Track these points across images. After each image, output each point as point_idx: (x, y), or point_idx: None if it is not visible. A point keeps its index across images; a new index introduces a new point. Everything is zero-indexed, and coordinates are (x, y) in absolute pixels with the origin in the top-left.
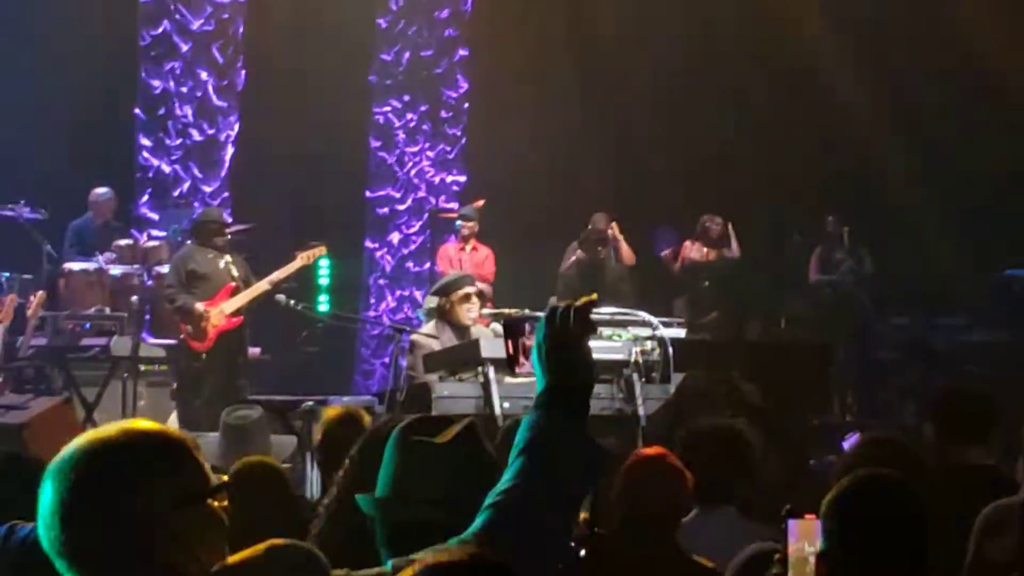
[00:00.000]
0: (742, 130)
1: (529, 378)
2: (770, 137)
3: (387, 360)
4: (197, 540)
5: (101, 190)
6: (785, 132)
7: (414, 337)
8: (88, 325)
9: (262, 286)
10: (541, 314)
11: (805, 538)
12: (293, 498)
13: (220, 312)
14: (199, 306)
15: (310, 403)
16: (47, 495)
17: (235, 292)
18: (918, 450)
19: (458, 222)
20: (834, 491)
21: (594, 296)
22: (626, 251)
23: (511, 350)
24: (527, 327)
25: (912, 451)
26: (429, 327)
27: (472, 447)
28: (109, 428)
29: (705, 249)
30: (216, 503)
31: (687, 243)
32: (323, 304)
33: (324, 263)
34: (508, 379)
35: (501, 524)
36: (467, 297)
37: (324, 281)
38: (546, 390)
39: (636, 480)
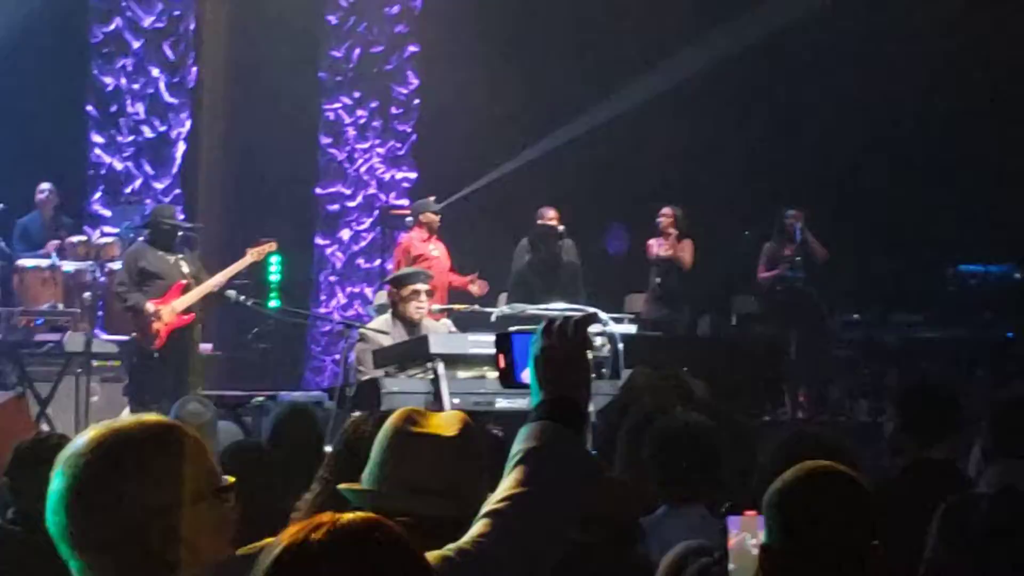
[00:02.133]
0: (699, 121)
1: (478, 373)
2: (726, 128)
3: (337, 356)
4: (201, 536)
5: (43, 185)
6: (741, 123)
7: (363, 332)
8: (41, 321)
9: (212, 283)
10: (535, 327)
11: (747, 531)
12: (278, 483)
13: (171, 310)
14: (149, 305)
15: (261, 398)
16: (55, 482)
17: (186, 289)
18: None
19: (428, 216)
20: (779, 482)
21: (596, 313)
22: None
23: (503, 364)
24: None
25: (843, 448)
26: (379, 322)
27: (473, 442)
28: (123, 420)
29: (666, 244)
30: (223, 502)
31: (651, 240)
32: (273, 300)
33: (275, 259)
34: (459, 374)
35: (498, 532)
36: (416, 293)
37: (275, 278)
38: (542, 403)
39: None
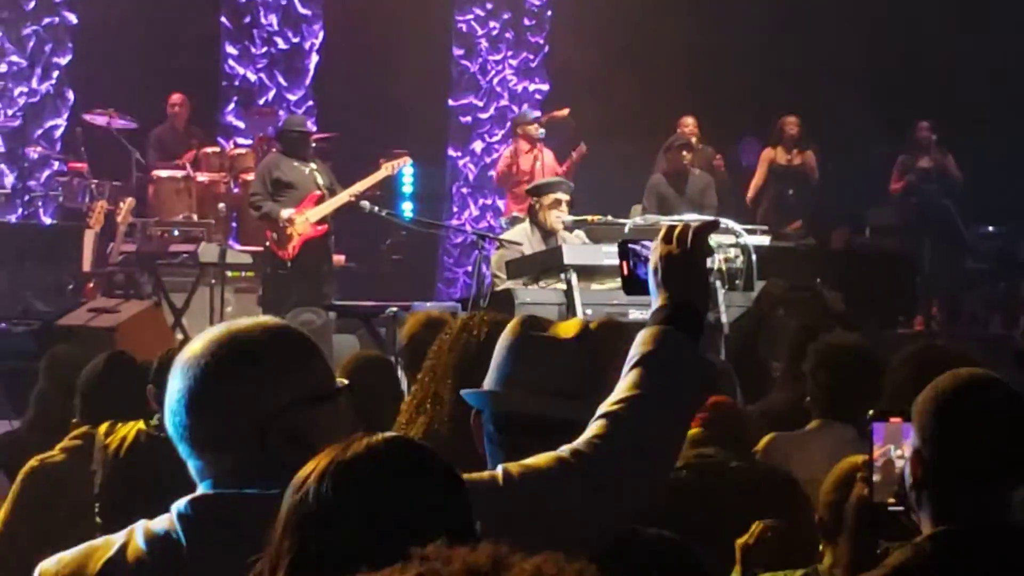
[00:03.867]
0: (829, 33)
1: (612, 284)
2: (855, 40)
3: (469, 268)
4: (316, 439)
5: (175, 97)
6: (870, 36)
7: (501, 240)
8: (176, 232)
9: (347, 195)
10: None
11: (891, 441)
12: (402, 394)
13: (305, 220)
14: (284, 213)
15: (394, 309)
16: (176, 382)
17: (320, 200)
18: (978, 360)
19: (524, 128)
20: (933, 389)
21: (716, 219)
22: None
23: (626, 271)
24: (643, 247)
25: (971, 360)
26: (516, 232)
27: (594, 345)
28: (242, 321)
29: (788, 155)
30: (338, 404)
31: (768, 149)
32: (407, 211)
33: (408, 171)
34: (592, 285)
35: (614, 433)
36: (558, 203)
37: (408, 189)
38: (660, 308)
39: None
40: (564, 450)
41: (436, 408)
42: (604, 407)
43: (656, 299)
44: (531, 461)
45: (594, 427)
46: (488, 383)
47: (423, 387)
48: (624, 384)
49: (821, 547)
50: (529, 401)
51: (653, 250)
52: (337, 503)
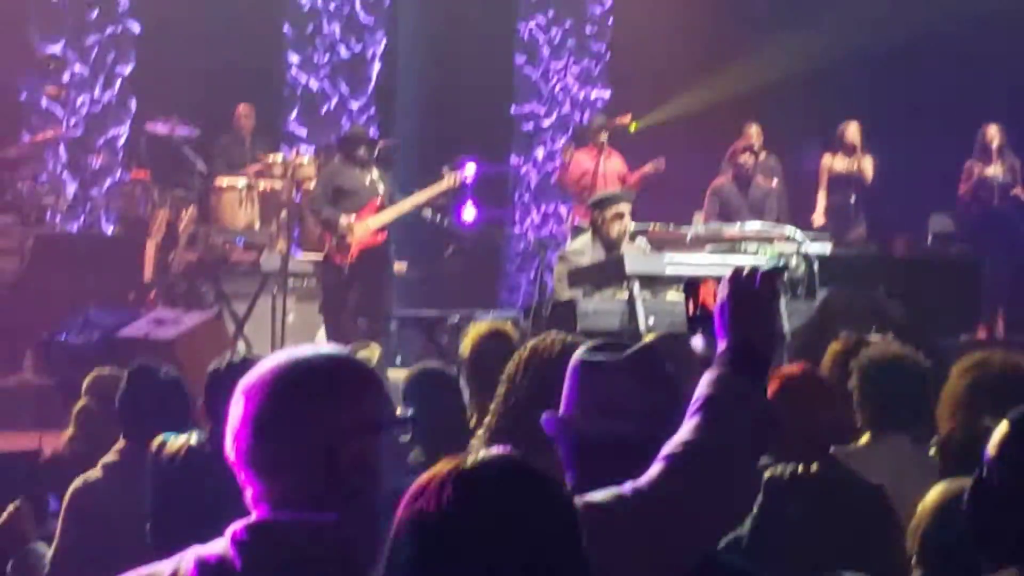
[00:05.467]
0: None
1: (675, 295)
2: (925, 43)
3: (532, 276)
4: (380, 466)
5: (242, 107)
6: (934, 38)
7: (562, 252)
8: (239, 241)
9: (407, 204)
10: (725, 272)
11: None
12: (464, 407)
13: (365, 227)
14: (344, 219)
15: (456, 317)
16: (240, 407)
17: (381, 208)
18: None
19: (590, 132)
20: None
21: (781, 264)
22: None
23: (692, 310)
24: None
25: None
26: (579, 242)
27: (652, 364)
28: (305, 349)
29: (847, 160)
30: (401, 432)
31: (827, 154)
32: (470, 218)
33: (471, 178)
34: (655, 294)
35: (674, 477)
36: (619, 216)
37: (471, 196)
38: (727, 350)
39: (788, 400)
40: (627, 487)
41: (512, 434)
42: (668, 448)
43: (721, 340)
44: (592, 497)
45: (655, 468)
46: (561, 408)
47: (496, 413)
48: (686, 427)
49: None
50: (595, 424)
51: (720, 289)
52: (457, 512)
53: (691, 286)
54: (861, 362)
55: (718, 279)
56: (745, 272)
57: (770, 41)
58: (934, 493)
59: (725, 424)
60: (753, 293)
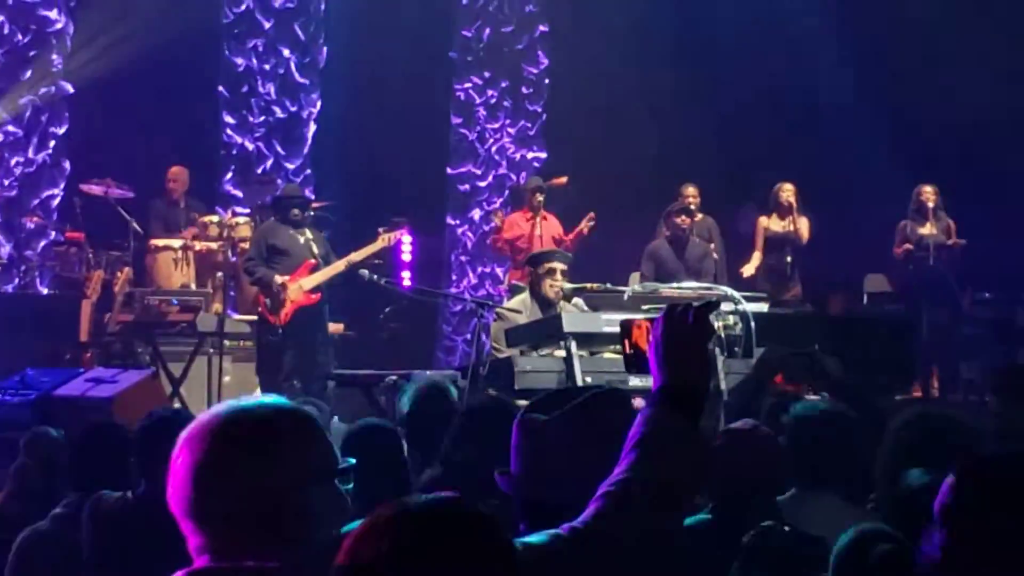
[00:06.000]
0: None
1: (611, 352)
2: (861, 105)
3: (468, 336)
4: (321, 517)
5: (175, 169)
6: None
7: (499, 310)
8: (175, 301)
9: (341, 265)
10: (658, 314)
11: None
12: (405, 462)
13: (299, 288)
14: (278, 279)
15: (394, 377)
16: (180, 458)
17: (315, 269)
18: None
19: (524, 194)
20: (958, 473)
21: (718, 300)
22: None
23: (628, 349)
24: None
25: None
26: (515, 302)
27: (589, 420)
28: (247, 400)
29: (782, 221)
30: (343, 483)
31: (762, 216)
32: (406, 280)
33: (407, 240)
34: (592, 353)
35: (610, 514)
36: (551, 271)
37: (406, 257)
38: (661, 388)
39: (735, 450)
40: (565, 527)
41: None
42: (604, 486)
43: (656, 378)
44: (530, 539)
45: (592, 506)
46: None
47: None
48: (623, 466)
49: None
50: (535, 488)
51: (654, 328)
52: (395, 554)
53: (626, 327)
54: (788, 420)
55: (652, 320)
56: (679, 309)
57: (706, 102)
58: (850, 532)
59: (660, 461)
60: (687, 330)
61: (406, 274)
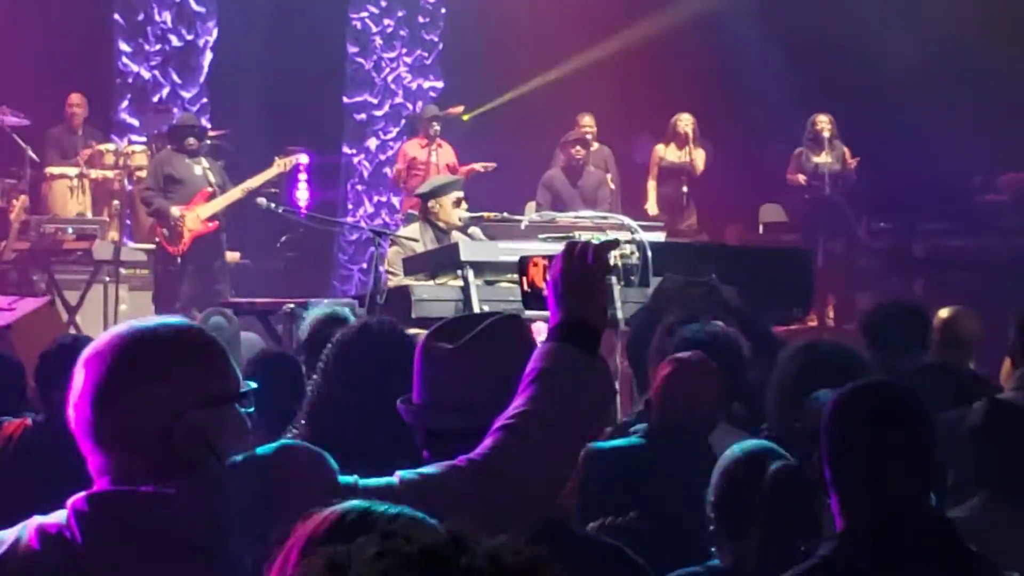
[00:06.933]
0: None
1: (508, 280)
2: (750, 37)
3: (364, 265)
4: (218, 440)
5: (73, 97)
6: (767, 30)
7: (395, 236)
8: (70, 229)
9: (239, 191)
10: (558, 250)
11: None
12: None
13: (196, 217)
14: (175, 209)
15: (291, 305)
16: (79, 379)
17: (211, 197)
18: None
19: (423, 122)
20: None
21: (616, 239)
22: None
23: (526, 286)
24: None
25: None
26: (410, 229)
27: (490, 350)
28: (147, 320)
29: (679, 151)
30: (244, 406)
31: (659, 145)
32: (302, 208)
33: (303, 168)
34: (488, 282)
35: (508, 448)
36: (459, 202)
37: (303, 186)
38: (559, 325)
39: (678, 383)
40: (461, 459)
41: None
42: (501, 419)
43: (554, 314)
44: (427, 469)
45: (489, 439)
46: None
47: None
48: (520, 399)
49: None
50: (436, 417)
51: (553, 265)
52: None
53: (523, 264)
54: (678, 343)
55: (550, 257)
56: (578, 247)
57: (605, 31)
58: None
59: (559, 395)
60: (586, 267)
61: (302, 202)
